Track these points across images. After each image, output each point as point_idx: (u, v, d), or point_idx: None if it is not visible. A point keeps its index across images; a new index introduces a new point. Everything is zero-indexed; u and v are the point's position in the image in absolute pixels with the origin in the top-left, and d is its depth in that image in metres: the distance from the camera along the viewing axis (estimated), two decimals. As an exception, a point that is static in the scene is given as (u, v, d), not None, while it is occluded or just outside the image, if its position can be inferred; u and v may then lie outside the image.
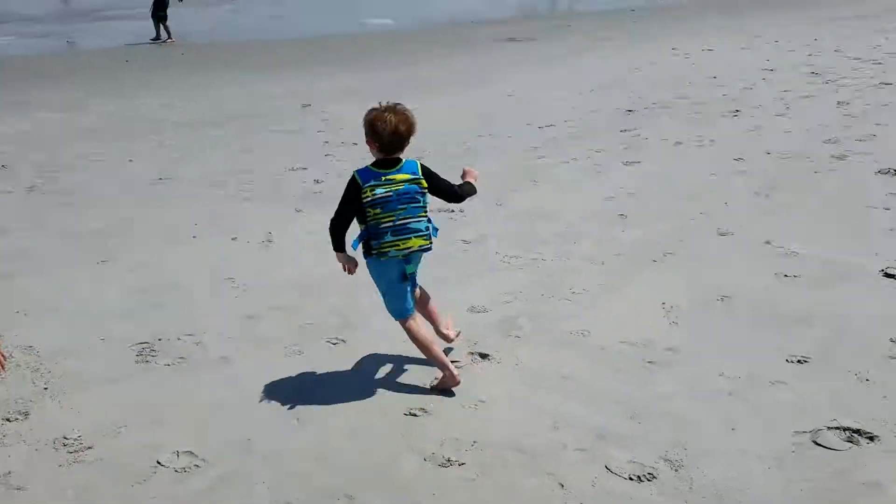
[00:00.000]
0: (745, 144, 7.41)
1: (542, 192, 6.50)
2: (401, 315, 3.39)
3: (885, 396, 3.08)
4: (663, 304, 4.09)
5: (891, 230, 4.88)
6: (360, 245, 3.31)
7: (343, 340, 3.92)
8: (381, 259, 3.23)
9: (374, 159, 3.27)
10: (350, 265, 3.39)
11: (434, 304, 3.62)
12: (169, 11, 18.34)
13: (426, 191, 3.26)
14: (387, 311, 3.44)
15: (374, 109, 3.23)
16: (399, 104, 3.25)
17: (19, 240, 5.81)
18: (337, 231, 3.33)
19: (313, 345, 3.89)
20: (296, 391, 3.44)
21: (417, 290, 3.52)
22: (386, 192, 3.14)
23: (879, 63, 11.44)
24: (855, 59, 12.10)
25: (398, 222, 3.16)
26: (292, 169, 7.65)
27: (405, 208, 3.17)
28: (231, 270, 4.96)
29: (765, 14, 21.76)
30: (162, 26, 18.27)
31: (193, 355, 3.82)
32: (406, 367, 3.61)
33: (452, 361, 3.43)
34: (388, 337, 3.75)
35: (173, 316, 4.28)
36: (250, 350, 3.87)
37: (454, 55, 15.60)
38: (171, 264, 5.19)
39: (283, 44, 17.87)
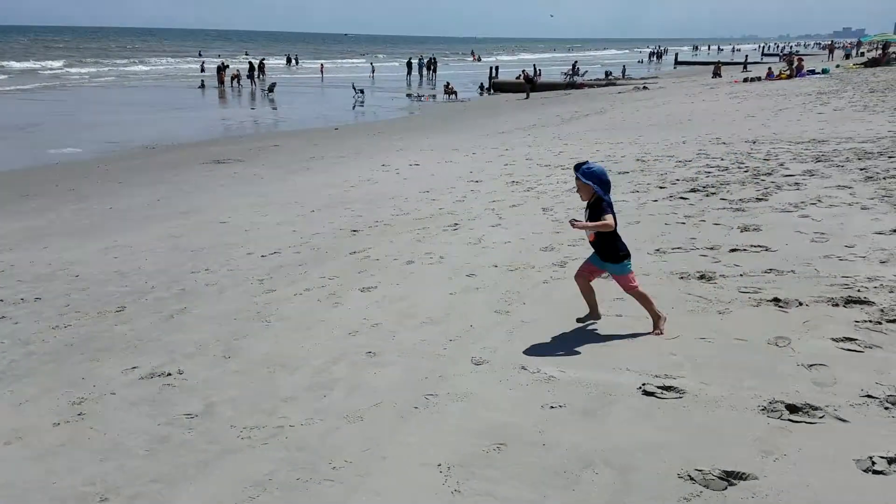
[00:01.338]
0: (472, 259, 7.44)
1: (277, 333, 5.79)
2: None
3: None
4: (439, 465, 3.58)
5: (632, 338, 4.97)
6: None
7: None
8: None
9: None
10: None
11: None
12: None
13: None
14: None
15: None
16: None
17: None
18: None
19: None
20: None
21: None
22: None
23: (566, 168, 12.69)
24: (545, 166, 13.33)
25: None
26: (-51, 342, 6.05)
27: None
28: None
29: (454, 132, 23.68)
30: None
31: None
32: None
33: None
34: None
35: None
36: None
37: (155, 182, 14.43)
38: None
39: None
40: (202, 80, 42.40)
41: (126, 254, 8.88)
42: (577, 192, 4.95)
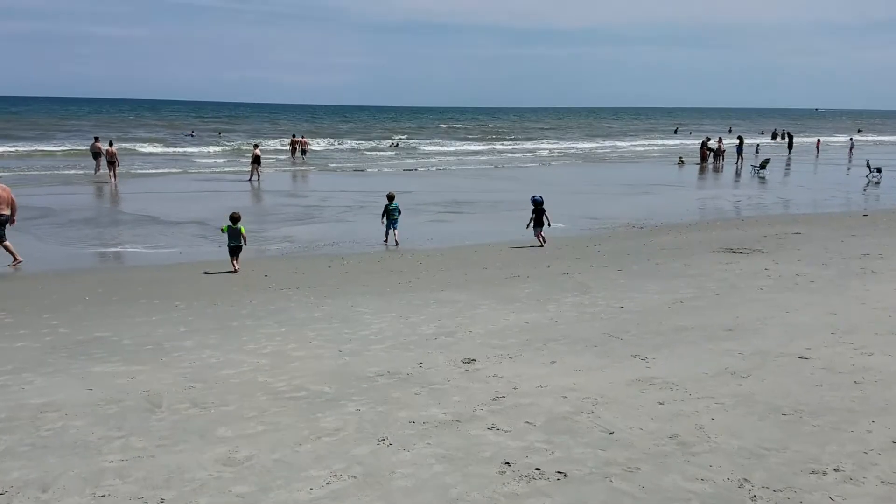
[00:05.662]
0: None
1: None
2: None
3: None
4: None
5: None
6: None
7: None
8: None
9: None
10: None
11: None
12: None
13: None
14: None
15: None
16: None
17: None
18: None
19: None
20: None
21: None
22: None
23: None
24: None
25: None
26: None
27: None
28: None
29: None
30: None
31: None
32: None
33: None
34: None
35: None
36: None
37: (664, 273, 11.61)
38: None
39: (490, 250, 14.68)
40: (680, 157, 39.93)
41: (672, 399, 5.93)
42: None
